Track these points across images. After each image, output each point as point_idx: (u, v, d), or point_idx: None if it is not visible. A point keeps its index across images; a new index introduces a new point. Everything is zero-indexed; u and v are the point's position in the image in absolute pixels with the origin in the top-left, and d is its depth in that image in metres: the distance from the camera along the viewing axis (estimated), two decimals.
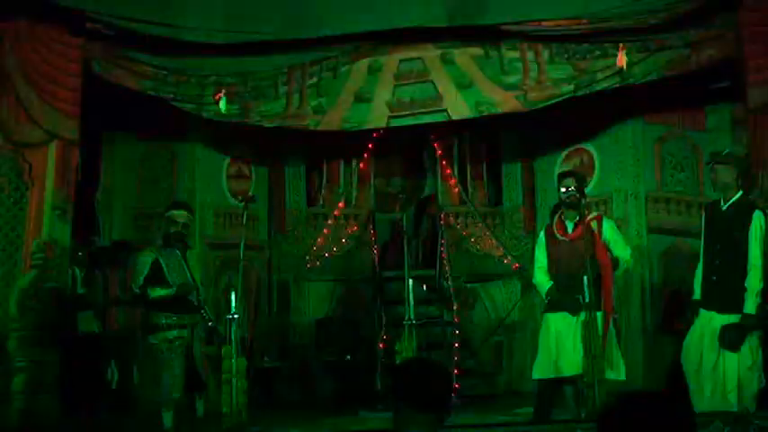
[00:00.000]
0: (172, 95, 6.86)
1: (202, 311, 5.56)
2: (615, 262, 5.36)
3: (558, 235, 5.45)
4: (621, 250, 5.37)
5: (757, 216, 4.98)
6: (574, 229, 5.36)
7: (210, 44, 6.63)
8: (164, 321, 5.51)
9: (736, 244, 5.00)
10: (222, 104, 6.82)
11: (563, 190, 5.40)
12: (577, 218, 5.36)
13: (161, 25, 6.41)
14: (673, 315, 7.23)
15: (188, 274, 5.61)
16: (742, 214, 5.02)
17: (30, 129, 6.14)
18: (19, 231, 6.03)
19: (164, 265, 5.54)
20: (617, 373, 5.24)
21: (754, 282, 4.91)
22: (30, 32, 6.14)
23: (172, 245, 5.61)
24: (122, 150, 8.06)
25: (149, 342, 5.61)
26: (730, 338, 4.96)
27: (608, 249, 5.33)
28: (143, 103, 6.90)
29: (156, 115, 7.31)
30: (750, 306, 4.90)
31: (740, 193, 5.10)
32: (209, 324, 5.62)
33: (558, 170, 8.10)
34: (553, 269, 5.44)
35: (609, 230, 5.37)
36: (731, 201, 5.11)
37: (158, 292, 5.49)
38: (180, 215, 5.65)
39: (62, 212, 6.18)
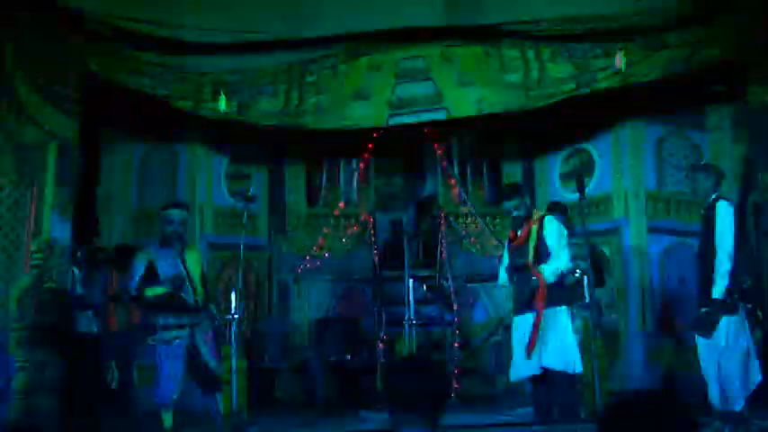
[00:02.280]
0: (170, 94, 6.85)
1: (208, 311, 5.49)
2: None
3: (511, 238, 5.78)
4: (553, 258, 5.48)
5: (721, 204, 5.14)
6: (520, 233, 5.64)
7: (210, 43, 6.62)
8: (161, 322, 5.51)
9: (710, 241, 5.12)
10: (221, 104, 6.82)
11: (510, 208, 5.74)
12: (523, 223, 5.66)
13: (160, 25, 6.41)
14: (670, 317, 7.24)
15: (183, 273, 5.60)
16: (712, 210, 5.18)
17: (30, 129, 6.14)
18: (19, 231, 6.02)
19: (157, 266, 5.54)
20: (561, 363, 5.30)
21: (720, 264, 5.01)
22: (30, 32, 6.14)
23: (170, 244, 5.61)
24: (122, 150, 8.07)
25: (149, 343, 5.61)
26: (701, 325, 5.11)
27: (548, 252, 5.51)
28: (143, 102, 6.90)
29: (156, 115, 7.31)
30: (718, 290, 4.99)
31: (714, 196, 5.24)
32: (215, 323, 5.59)
33: (560, 171, 8.14)
34: (510, 271, 5.74)
35: (550, 236, 5.53)
36: (706, 205, 5.28)
37: (154, 291, 5.48)
38: (175, 214, 5.65)
39: (62, 212, 6.17)
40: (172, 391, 5.48)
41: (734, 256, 5.00)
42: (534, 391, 5.57)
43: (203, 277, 5.79)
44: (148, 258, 5.59)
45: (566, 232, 5.56)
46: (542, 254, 5.50)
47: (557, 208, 6.31)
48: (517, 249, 5.64)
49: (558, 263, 5.43)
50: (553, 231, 5.53)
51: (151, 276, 5.53)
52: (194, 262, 5.73)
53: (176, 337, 5.50)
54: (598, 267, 7.26)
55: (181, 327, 5.52)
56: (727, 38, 6.21)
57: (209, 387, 5.58)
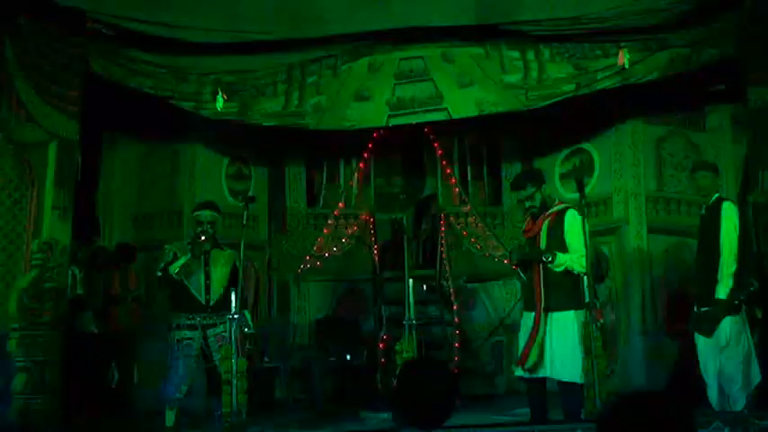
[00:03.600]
0: (171, 94, 6.86)
1: (236, 315, 5.32)
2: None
3: (525, 230, 5.43)
4: (572, 250, 5.05)
5: (726, 206, 5.13)
6: (532, 226, 5.30)
7: (210, 43, 6.63)
8: (174, 322, 5.57)
9: (714, 240, 5.11)
10: (219, 103, 6.82)
11: (522, 198, 5.23)
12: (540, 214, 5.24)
13: (161, 25, 6.41)
14: (674, 317, 7.23)
15: (201, 272, 5.63)
16: (715, 210, 5.17)
17: (30, 129, 6.14)
18: (19, 231, 6.02)
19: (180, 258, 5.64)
20: (568, 374, 5.04)
21: (726, 265, 5.01)
22: (30, 32, 6.14)
23: (199, 255, 5.63)
24: (122, 150, 8.08)
25: (167, 341, 5.70)
26: (703, 324, 5.11)
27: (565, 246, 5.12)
28: (143, 102, 6.91)
29: (156, 115, 7.31)
30: (722, 291, 4.99)
31: (716, 195, 5.24)
32: (246, 330, 5.53)
33: (560, 171, 8.14)
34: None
35: (569, 229, 5.10)
36: (708, 204, 5.26)
37: (176, 264, 5.55)
38: (204, 215, 5.70)
39: (62, 212, 6.17)
40: (177, 391, 5.51)
41: (738, 257, 5.00)
42: (529, 390, 5.45)
43: (233, 280, 5.62)
44: (174, 251, 5.68)
45: (587, 230, 5.06)
46: (556, 250, 5.10)
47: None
48: (530, 242, 5.29)
49: (574, 262, 5.02)
50: (576, 227, 5.06)
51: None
52: (221, 263, 5.72)
53: (187, 338, 5.53)
54: (597, 265, 7.23)
55: (193, 327, 5.55)
56: (727, 38, 6.21)
57: (215, 389, 5.59)
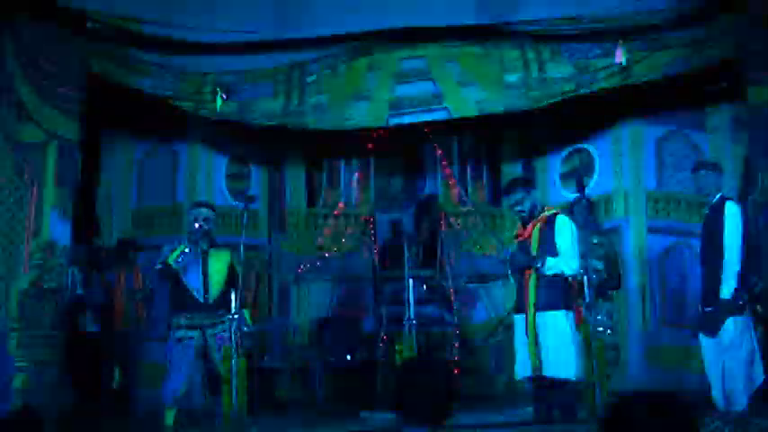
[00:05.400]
0: (171, 94, 6.85)
1: (235, 315, 5.23)
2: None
3: (517, 234, 5.62)
4: (562, 254, 5.27)
5: (729, 205, 5.14)
6: (523, 231, 5.50)
7: (210, 43, 6.62)
8: (174, 321, 5.58)
9: (717, 240, 5.12)
10: (218, 103, 6.82)
11: (512, 203, 5.52)
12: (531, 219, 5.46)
13: (162, 25, 6.41)
14: (670, 317, 7.22)
15: (199, 270, 5.63)
16: (718, 210, 5.18)
17: (30, 129, 6.14)
18: (19, 231, 6.02)
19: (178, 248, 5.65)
20: (561, 371, 5.21)
21: (729, 265, 5.02)
22: (30, 32, 6.14)
23: (195, 242, 5.65)
24: (122, 150, 8.07)
25: (167, 341, 5.72)
26: (706, 324, 5.13)
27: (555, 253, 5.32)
28: (143, 102, 6.90)
29: (156, 115, 7.31)
30: (725, 291, 5.01)
31: (719, 194, 5.25)
32: (245, 329, 5.54)
33: (560, 171, 8.13)
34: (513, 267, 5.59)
35: (559, 233, 5.32)
36: (712, 203, 5.28)
37: (175, 253, 5.56)
38: (198, 212, 5.71)
39: (62, 212, 6.17)
40: (176, 390, 5.51)
41: (742, 256, 5.01)
42: (534, 391, 5.55)
43: (230, 280, 5.66)
44: (173, 247, 5.68)
45: (578, 234, 5.31)
46: (547, 254, 5.31)
47: (579, 204, 6.27)
48: (521, 246, 5.48)
49: (563, 264, 5.24)
50: (565, 232, 5.29)
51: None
52: (218, 262, 5.73)
53: (187, 337, 5.54)
54: (615, 268, 7.23)
55: (192, 327, 5.55)
56: (727, 38, 6.21)
57: (215, 389, 5.60)
